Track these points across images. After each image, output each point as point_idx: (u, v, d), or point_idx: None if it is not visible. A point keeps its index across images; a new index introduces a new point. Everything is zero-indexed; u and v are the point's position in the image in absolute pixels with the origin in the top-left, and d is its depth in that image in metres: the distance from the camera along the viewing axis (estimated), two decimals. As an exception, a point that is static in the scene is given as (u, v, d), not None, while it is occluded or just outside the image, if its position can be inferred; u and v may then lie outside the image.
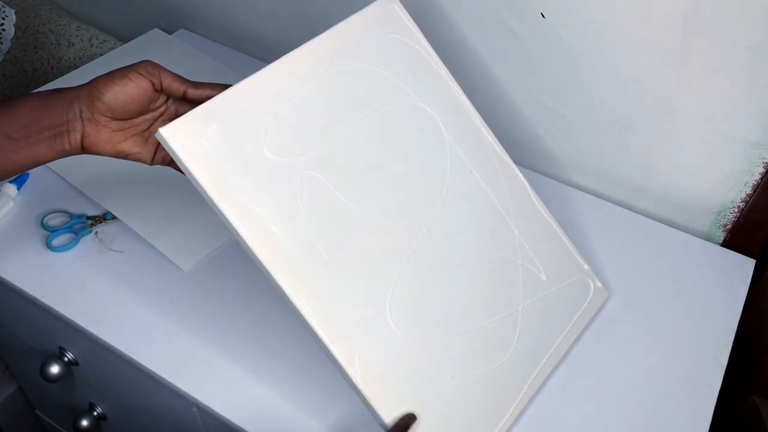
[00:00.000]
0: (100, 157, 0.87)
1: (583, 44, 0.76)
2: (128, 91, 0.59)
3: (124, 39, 1.20)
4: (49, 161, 0.61)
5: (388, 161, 0.63)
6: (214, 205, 0.54)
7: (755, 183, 0.77)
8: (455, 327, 0.63)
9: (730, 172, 0.78)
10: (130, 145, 0.62)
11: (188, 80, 0.62)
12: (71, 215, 0.81)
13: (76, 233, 0.80)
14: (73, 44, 1.20)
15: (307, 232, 0.57)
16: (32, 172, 0.86)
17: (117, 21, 1.28)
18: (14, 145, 0.59)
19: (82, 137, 0.60)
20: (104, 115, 0.60)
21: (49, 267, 0.77)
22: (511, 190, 0.70)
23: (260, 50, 1.08)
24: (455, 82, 0.70)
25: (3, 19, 1.24)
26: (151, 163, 0.64)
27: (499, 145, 0.71)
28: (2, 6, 1.24)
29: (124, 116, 0.61)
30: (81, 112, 0.59)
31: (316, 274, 0.57)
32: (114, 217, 0.81)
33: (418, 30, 0.69)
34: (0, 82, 1.31)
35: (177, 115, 0.63)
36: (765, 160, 0.75)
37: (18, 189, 0.84)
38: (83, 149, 0.61)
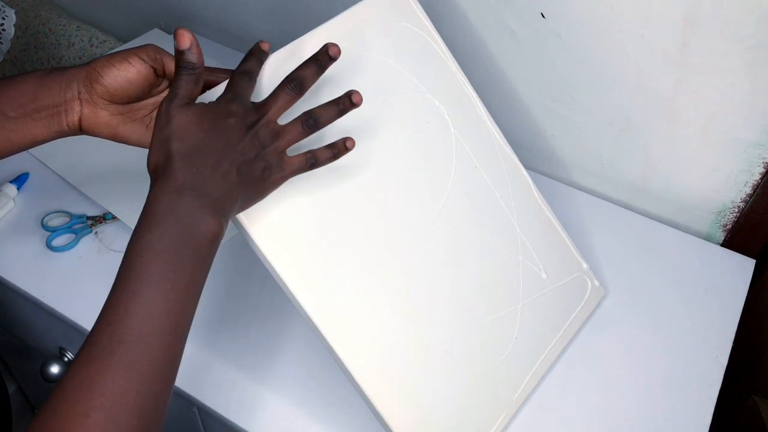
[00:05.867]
0: (100, 156, 0.86)
1: (583, 44, 0.76)
2: (127, 76, 0.57)
3: (124, 39, 1.20)
4: (47, 141, 0.59)
5: (394, 154, 0.63)
6: None
7: (755, 183, 0.77)
8: (455, 323, 0.63)
9: (730, 172, 0.78)
10: (129, 130, 0.60)
11: None
12: (71, 215, 0.81)
13: (76, 233, 0.80)
14: (73, 44, 1.20)
15: (311, 225, 0.57)
16: (32, 172, 0.86)
17: (117, 21, 1.28)
18: (11, 123, 0.57)
19: (80, 118, 0.58)
20: (102, 98, 0.58)
21: (49, 267, 0.77)
22: (514, 187, 0.70)
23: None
24: (464, 75, 0.69)
25: (3, 19, 1.24)
26: None
27: (505, 141, 0.71)
28: (2, 6, 1.24)
29: (123, 100, 0.59)
30: (79, 93, 0.57)
31: (318, 269, 0.57)
32: (114, 217, 0.81)
33: (428, 20, 0.67)
34: (0, 82, 1.31)
35: None
36: (765, 160, 0.75)
37: (18, 189, 0.84)
38: (81, 130, 0.59)
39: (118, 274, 0.46)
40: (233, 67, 0.59)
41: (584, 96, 0.81)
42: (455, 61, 0.69)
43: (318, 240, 0.57)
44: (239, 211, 0.51)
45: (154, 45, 0.58)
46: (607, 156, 0.85)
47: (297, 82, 0.52)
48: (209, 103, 0.50)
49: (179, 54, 0.50)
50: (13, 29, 1.25)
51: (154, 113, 0.61)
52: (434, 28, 0.68)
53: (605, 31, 0.74)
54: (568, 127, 0.85)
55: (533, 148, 0.90)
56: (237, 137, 0.49)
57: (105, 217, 0.81)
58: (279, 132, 0.52)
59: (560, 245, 0.73)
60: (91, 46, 1.19)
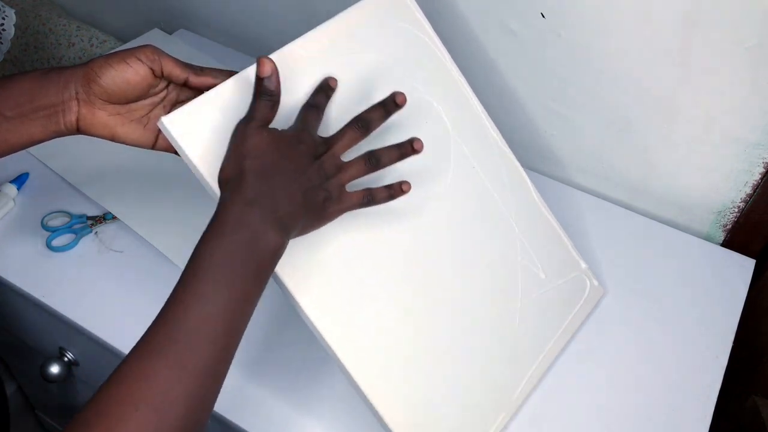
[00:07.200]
0: (100, 156, 0.86)
1: (583, 44, 0.76)
2: (125, 77, 0.57)
3: (124, 39, 1.20)
4: (45, 140, 0.59)
5: None
6: (216, 196, 0.53)
7: (755, 183, 0.77)
8: (454, 323, 0.63)
9: (730, 172, 0.78)
10: (126, 131, 0.60)
11: (190, 66, 0.59)
12: (71, 215, 0.81)
13: (76, 233, 0.80)
14: (73, 44, 1.20)
15: None
16: (32, 172, 0.86)
17: (117, 21, 1.28)
18: (8, 122, 0.57)
19: (77, 119, 0.58)
20: (100, 98, 0.58)
21: (49, 267, 0.77)
22: (513, 187, 0.70)
23: (260, 50, 1.08)
24: (462, 76, 0.69)
25: (3, 19, 1.24)
26: (153, 149, 0.62)
27: (503, 141, 0.71)
28: (2, 6, 1.24)
29: (120, 101, 0.59)
30: (77, 93, 0.57)
31: (316, 269, 0.57)
32: (114, 217, 0.81)
33: (426, 21, 0.67)
34: (0, 82, 1.31)
35: (177, 101, 0.62)
36: (765, 160, 0.75)
37: (18, 189, 0.84)
38: (78, 130, 0.59)
39: (182, 274, 0.47)
40: (233, 68, 0.60)
41: (584, 96, 0.81)
42: (453, 61, 0.69)
43: (315, 240, 0.57)
44: (298, 235, 0.53)
45: (152, 46, 0.58)
46: (606, 156, 0.85)
47: (364, 123, 0.55)
48: (281, 130, 0.53)
49: (259, 80, 0.52)
50: (13, 29, 1.25)
51: (152, 114, 0.61)
52: (432, 29, 0.68)
53: (605, 31, 0.74)
54: (568, 127, 0.85)
55: (533, 148, 0.90)
56: (305, 164, 0.52)
57: (105, 217, 0.81)
58: (342, 166, 0.54)
59: (559, 245, 0.73)
60: (91, 46, 1.19)
